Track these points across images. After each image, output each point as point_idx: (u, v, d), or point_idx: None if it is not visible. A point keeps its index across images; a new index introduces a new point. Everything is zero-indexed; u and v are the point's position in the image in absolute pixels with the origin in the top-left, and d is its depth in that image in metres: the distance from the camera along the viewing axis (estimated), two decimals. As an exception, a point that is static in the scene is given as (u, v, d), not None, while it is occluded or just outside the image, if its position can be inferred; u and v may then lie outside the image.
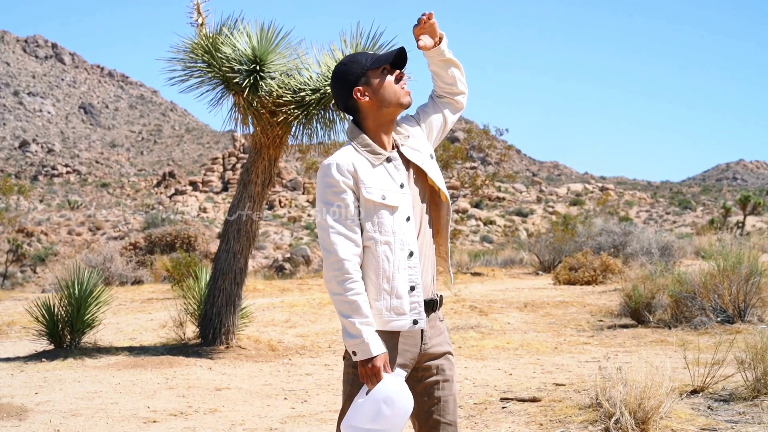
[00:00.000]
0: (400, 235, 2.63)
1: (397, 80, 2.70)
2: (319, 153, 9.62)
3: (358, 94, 2.68)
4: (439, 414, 2.72)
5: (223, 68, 8.08)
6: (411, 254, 2.63)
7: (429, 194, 2.78)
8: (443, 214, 2.80)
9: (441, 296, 2.79)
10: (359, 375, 2.56)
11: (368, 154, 2.67)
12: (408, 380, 2.75)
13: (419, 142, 2.80)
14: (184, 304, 9.34)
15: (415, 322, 2.63)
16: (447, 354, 2.76)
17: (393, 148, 2.74)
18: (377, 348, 2.52)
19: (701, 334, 8.56)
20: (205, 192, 74.50)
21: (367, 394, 2.54)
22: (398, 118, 2.78)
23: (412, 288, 2.63)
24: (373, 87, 2.68)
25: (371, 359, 2.51)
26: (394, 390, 2.51)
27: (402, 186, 2.67)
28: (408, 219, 2.65)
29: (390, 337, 2.63)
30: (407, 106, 2.72)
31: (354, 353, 2.53)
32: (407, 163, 2.74)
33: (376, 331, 2.57)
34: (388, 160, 2.69)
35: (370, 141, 2.68)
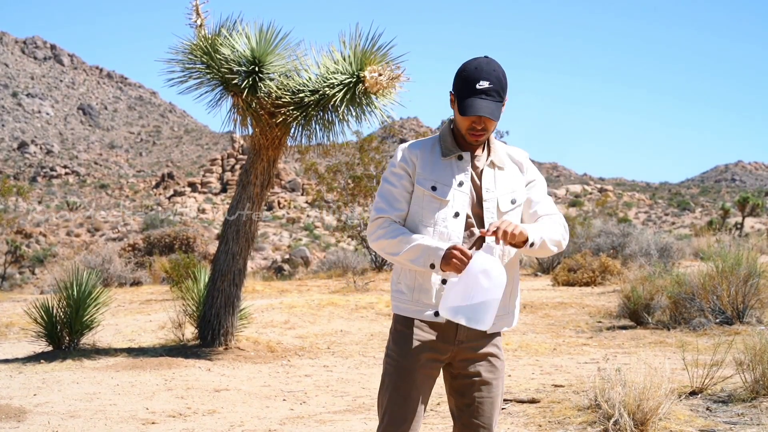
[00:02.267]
0: (441, 227, 2.67)
1: (471, 125, 2.67)
2: (318, 154, 9.62)
3: (451, 96, 2.74)
4: (472, 415, 2.74)
5: (222, 69, 8.08)
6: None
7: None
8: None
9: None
10: (453, 270, 2.55)
11: (443, 146, 2.75)
12: (445, 376, 2.81)
13: (511, 181, 2.77)
14: (183, 305, 9.33)
15: (437, 314, 2.67)
16: (490, 356, 2.76)
17: (481, 153, 2.76)
18: (442, 245, 2.59)
19: (700, 336, 8.57)
20: (204, 193, 74.48)
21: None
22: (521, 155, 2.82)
23: (443, 281, 2.67)
24: (456, 103, 2.71)
25: (446, 254, 2.56)
26: (488, 262, 2.53)
27: (461, 184, 2.70)
28: (456, 215, 2.68)
29: (419, 327, 2.70)
30: (468, 142, 2.73)
31: (432, 265, 2.58)
32: (477, 173, 2.74)
33: (401, 316, 2.72)
34: (459, 157, 2.73)
35: (448, 136, 2.76)
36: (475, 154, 2.77)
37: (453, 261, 2.55)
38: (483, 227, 2.69)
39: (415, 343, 2.70)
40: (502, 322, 2.76)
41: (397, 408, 2.69)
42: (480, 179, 2.73)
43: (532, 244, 2.61)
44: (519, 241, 2.58)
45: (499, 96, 2.64)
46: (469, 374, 2.74)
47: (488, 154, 2.77)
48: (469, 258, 2.53)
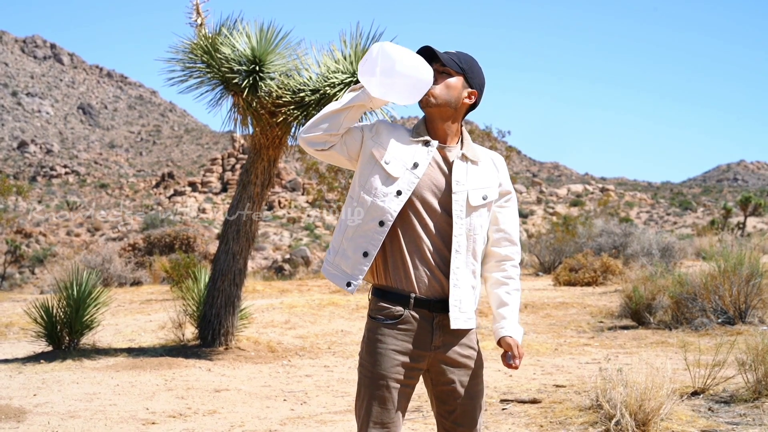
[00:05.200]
0: (380, 201, 2.65)
1: None
2: (319, 154, 9.55)
3: None
4: (455, 421, 2.72)
5: (223, 69, 8.06)
6: (381, 224, 2.65)
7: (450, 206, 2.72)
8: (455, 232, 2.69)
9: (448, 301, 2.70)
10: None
11: (414, 131, 2.77)
12: (426, 381, 2.77)
13: (485, 177, 2.75)
14: (183, 305, 9.31)
15: (348, 284, 2.67)
16: (466, 358, 2.72)
17: (454, 145, 2.76)
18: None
19: (702, 336, 8.54)
20: (204, 193, 74.51)
21: None
22: (493, 156, 2.83)
23: (365, 254, 2.65)
24: None
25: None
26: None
27: (416, 166, 2.68)
28: (399, 193, 2.65)
29: (393, 336, 2.65)
30: (421, 107, 2.76)
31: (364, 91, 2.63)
32: (448, 164, 2.73)
33: (374, 324, 2.69)
34: (426, 143, 2.73)
35: (422, 124, 2.77)
36: (448, 145, 2.75)
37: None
38: (450, 218, 2.67)
39: (389, 353, 2.65)
40: (470, 321, 2.71)
41: (374, 419, 2.65)
42: (450, 170, 2.71)
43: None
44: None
45: (455, 63, 2.71)
46: (448, 381, 2.70)
47: (461, 147, 2.76)
48: None
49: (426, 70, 2.56)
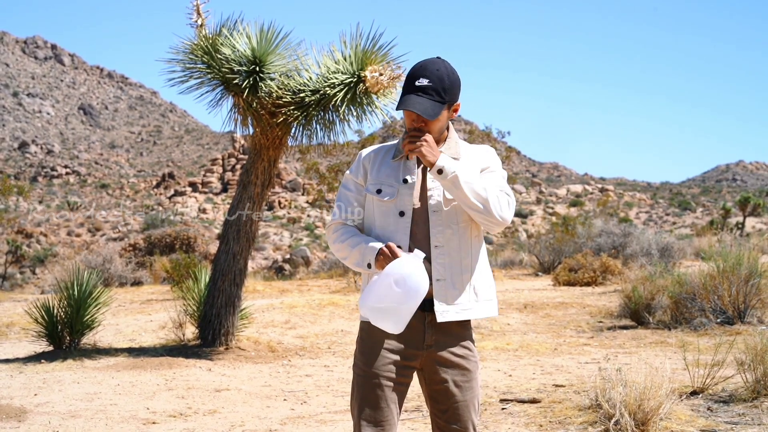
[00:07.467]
0: (392, 228, 2.68)
1: (411, 122, 2.68)
2: (319, 154, 9.59)
3: None
4: (448, 420, 2.73)
5: (223, 69, 8.07)
6: (399, 248, 2.65)
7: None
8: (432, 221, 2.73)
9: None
10: (379, 267, 2.61)
11: (396, 149, 2.79)
12: (420, 380, 2.79)
13: (471, 162, 2.75)
14: (184, 305, 9.33)
15: None
16: (461, 358, 2.73)
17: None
18: (376, 244, 2.63)
19: (701, 336, 8.56)
20: (205, 193, 74.51)
21: None
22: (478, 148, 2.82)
23: None
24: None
25: (379, 252, 2.60)
26: (406, 268, 2.53)
27: (405, 182, 2.70)
28: (402, 214, 2.68)
29: (384, 336, 2.68)
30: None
31: (369, 265, 2.63)
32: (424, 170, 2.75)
33: (365, 323, 2.73)
34: (407, 157, 2.74)
35: (401, 141, 2.77)
36: None
37: (380, 257, 2.59)
38: (427, 220, 2.68)
39: (382, 352, 2.68)
40: (466, 313, 2.69)
41: (367, 417, 2.67)
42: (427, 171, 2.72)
43: (440, 171, 2.58)
44: (428, 159, 2.57)
45: (439, 96, 2.63)
46: (442, 380, 2.71)
47: (441, 147, 2.76)
48: (396, 257, 2.56)
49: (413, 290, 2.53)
